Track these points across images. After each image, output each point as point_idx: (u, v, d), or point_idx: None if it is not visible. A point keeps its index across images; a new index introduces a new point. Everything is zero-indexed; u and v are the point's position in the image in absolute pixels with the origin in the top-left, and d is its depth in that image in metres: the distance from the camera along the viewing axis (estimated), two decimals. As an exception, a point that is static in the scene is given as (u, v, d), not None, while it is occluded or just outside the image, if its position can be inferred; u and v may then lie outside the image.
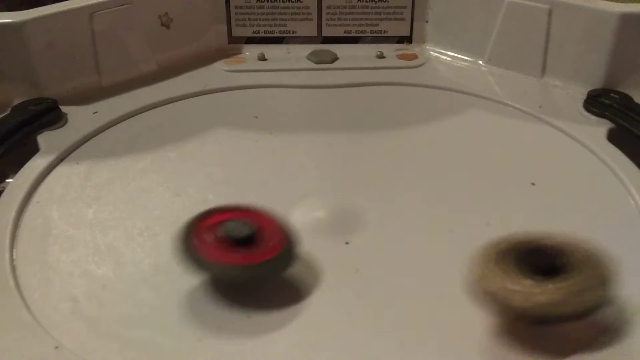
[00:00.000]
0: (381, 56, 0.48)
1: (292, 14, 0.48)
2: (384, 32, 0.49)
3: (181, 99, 0.42)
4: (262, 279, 0.27)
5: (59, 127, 0.38)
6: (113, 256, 0.29)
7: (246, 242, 0.26)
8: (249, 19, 0.48)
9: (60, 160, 0.36)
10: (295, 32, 0.49)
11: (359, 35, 0.49)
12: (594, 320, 0.23)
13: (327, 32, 0.49)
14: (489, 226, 0.31)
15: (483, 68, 0.46)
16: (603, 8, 0.40)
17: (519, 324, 0.24)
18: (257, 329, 0.26)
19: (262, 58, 0.48)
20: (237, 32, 0.49)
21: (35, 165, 0.35)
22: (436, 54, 0.48)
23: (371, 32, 0.49)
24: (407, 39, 0.49)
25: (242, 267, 0.25)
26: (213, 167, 0.36)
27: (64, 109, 0.40)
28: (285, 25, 0.49)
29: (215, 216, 0.27)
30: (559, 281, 0.22)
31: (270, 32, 0.49)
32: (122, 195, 0.33)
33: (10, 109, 0.39)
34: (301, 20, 0.49)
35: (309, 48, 0.48)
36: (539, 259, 0.23)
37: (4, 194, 0.33)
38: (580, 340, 0.23)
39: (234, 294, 0.27)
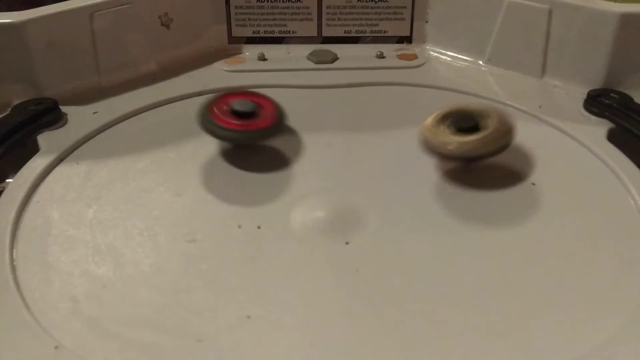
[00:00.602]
0: (381, 56, 0.48)
1: (292, 14, 0.48)
2: (384, 32, 0.49)
3: (181, 99, 0.42)
4: (259, 142, 0.36)
5: (59, 127, 0.38)
6: (113, 256, 0.29)
7: (249, 115, 0.35)
8: (249, 19, 0.48)
9: (60, 160, 0.36)
10: (295, 32, 0.49)
11: (359, 35, 0.49)
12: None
13: (327, 32, 0.49)
14: (489, 226, 0.31)
15: (483, 68, 0.46)
16: (603, 8, 0.40)
17: (457, 164, 0.34)
18: (257, 329, 0.26)
19: (262, 58, 0.48)
20: (237, 32, 0.49)
21: (35, 165, 0.35)
22: (436, 54, 0.48)
23: (371, 32, 0.49)
24: (407, 39, 0.49)
25: (246, 131, 0.35)
26: (213, 167, 0.36)
27: (64, 109, 0.40)
28: (285, 25, 0.49)
29: (228, 97, 0.36)
30: (478, 134, 0.32)
31: (270, 32, 0.49)
32: (122, 195, 0.33)
33: (10, 109, 0.39)
34: (301, 20, 0.49)
35: (309, 48, 0.48)
36: (465, 121, 0.33)
37: (4, 194, 0.33)
38: (493, 168, 0.34)
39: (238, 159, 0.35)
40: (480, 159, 0.34)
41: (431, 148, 0.33)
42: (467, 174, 0.35)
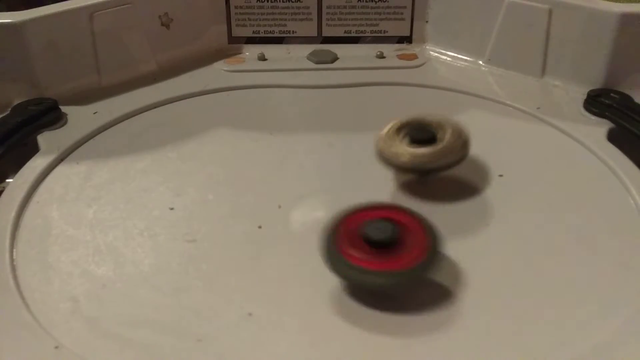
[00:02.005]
0: (381, 56, 0.48)
1: (292, 14, 0.48)
2: (384, 32, 0.49)
3: (181, 99, 0.42)
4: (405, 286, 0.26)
5: (59, 127, 0.38)
6: (113, 256, 0.29)
7: (388, 245, 0.25)
8: (249, 19, 0.48)
9: (60, 160, 0.36)
10: (295, 32, 0.49)
11: (359, 35, 0.49)
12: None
13: (327, 32, 0.49)
14: (488, 226, 0.31)
15: (483, 68, 0.46)
16: (603, 8, 0.40)
17: (411, 177, 0.34)
18: (257, 329, 0.26)
19: (262, 58, 0.48)
20: (237, 32, 0.49)
21: (35, 165, 0.35)
22: (436, 54, 0.48)
23: (371, 32, 0.49)
24: (407, 39, 0.49)
25: (385, 273, 0.25)
26: (213, 167, 0.36)
27: (64, 109, 0.40)
28: (285, 25, 0.49)
29: (359, 215, 0.27)
30: (437, 146, 0.32)
31: (270, 32, 0.49)
32: (122, 195, 0.33)
33: (10, 109, 0.39)
34: (301, 20, 0.49)
35: (309, 48, 0.48)
36: (420, 132, 0.32)
37: (4, 194, 0.33)
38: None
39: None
40: (435, 172, 0.33)
41: (384, 159, 0.32)
42: (466, 173, 0.35)
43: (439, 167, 0.32)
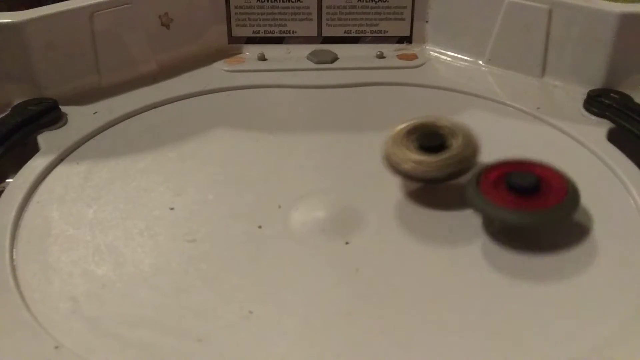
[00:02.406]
0: (381, 56, 0.48)
1: (292, 14, 0.48)
2: (384, 32, 0.49)
3: (181, 99, 0.42)
4: (550, 224, 0.29)
5: (59, 127, 0.38)
6: (113, 256, 0.29)
7: (530, 191, 0.29)
8: (249, 19, 0.48)
9: (60, 160, 0.36)
10: (295, 32, 0.49)
11: (359, 35, 0.49)
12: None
13: (327, 32, 0.49)
14: (488, 226, 0.31)
15: (483, 68, 0.46)
16: (603, 8, 0.40)
17: (421, 185, 0.33)
18: (257, 329, 0.26)
19: (262, 58, 0.48)
20: (237, 32, 0.49)
21: (35, 165, 0.35)
22: (436, 54, 0.48)
23: (371, 32, 0.49)
24: (407, 39, 0.49)
25: (532, 213, 0.28)
26: (213, 167, 0.36)
27: (64, 109, 0.40)
28: (285, 25, 0.49)
29: (499, 169, 0.30)
30: (443, 154, 0.31)
31: (270, 32, 0.49)
32: (122, 195, 0.33)
33: (10, 109, 0.39)
34: (301, 20, 0.49)
35: (309, 48, 0.48)
36: (429, 139, 0.31)
37: (4, 194, 0.33)
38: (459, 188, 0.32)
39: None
40: (439, 182, 0.32)
41: (389, 164, 0.32)
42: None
43: (442, 177, 0.31)
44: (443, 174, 0.31)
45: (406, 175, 0.32)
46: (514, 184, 0.29)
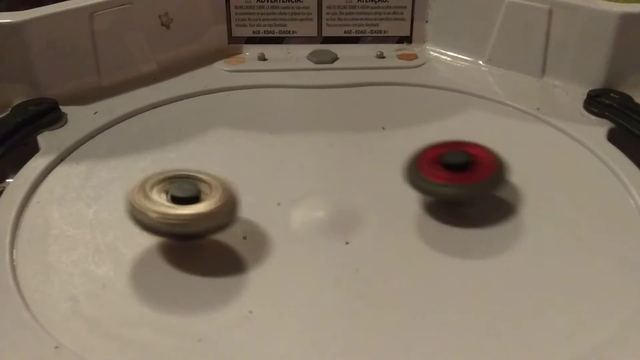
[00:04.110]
0: (381, 56, 0.48)
1: (292, 14, 0.48)
2: (384, 32, 0.49)
3: (181, 99, 0.42)
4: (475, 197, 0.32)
5: (59, 127, 0.38)
6: (113, 256, 0.29)
7: (462, 167, 0.30)
8: (249, 19, 0.48)
9: (60, 160, 0.36)
10: (295, 32, 0.49)
11: (359, 35, 0.49)
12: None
13: (327, 32, 0.49)
14: (488, 226, 0.31)
15: (483, 68, 0.46)
16: (603, 8, 0.40)
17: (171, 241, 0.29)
18: (257, 329, 0.26)
19: (262, 58, 0.48)
20: (237, 32, 0.49)
21: (35, 165, 0.35)
22: (436, 54, 0.48)
23: (371, 32, 0.49)
24: (407, 39, 0.49)
25: (464, 186, 0.30)
26: (213, 167, 0.36)
27: (64, 109, 0.40)
28: (285, 25, 0.49)
29: (437, 149, 0.32)
30: (194, 207, 0.27)
31: (270, 32, 0.49)
32: (122, 195, 0.33)
33: (10, 109, 0.39)
34: (301, 20, 0.49)
35: (309, 48, 0.48)
36: (181, 189, 0.28)
37: (4, 194, 0.33)
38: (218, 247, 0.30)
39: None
40: (189, 238, 0.29)
41: (131, 214, 0.28)
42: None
43: (192, 233, 0.28)
44: (192, 229, 0.28)
45: (149, 228, 0.28)
46: (447, 162, 0.30)
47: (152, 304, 0.27)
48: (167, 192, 0.28)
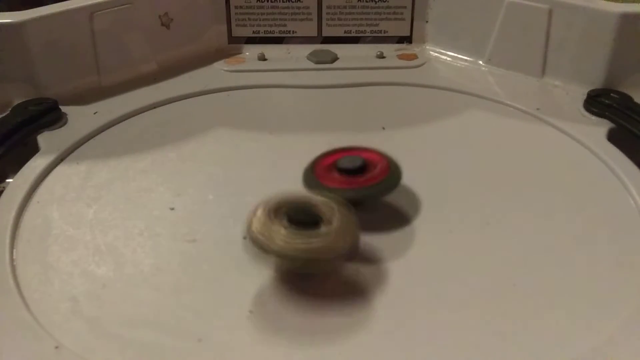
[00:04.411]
0: (381, 56, 0.48)
1: (292, 14, 0.48)
2: (384, 32, 0.49)
3: (181, 99, 0.42)
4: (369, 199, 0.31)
5: (59, 127, 0.38)
6: (113, 256, 0.29)
7: (356, 172, 0.31)
8: (249, 19, 0.48)
9: (60, 160, 0.36)
10: (295, 32, 0.49)
11: (359, 35, 0.49)
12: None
13: (327, 32, 0.49)
14: (489, 226, 0.31)
15: (483, 68, 0.46)
16: (603, 8, 0.40)
17: (291, 273, 0.28)
18: (257, 329, 0.26)
19: (262, 58, 0.48)
20: (237, 32, 0.49)
21: (35, 165, 0.35)
22: (436, 54, 0.48)
23: (371, 32, 0.49)
24: (407, 39, 0.49)
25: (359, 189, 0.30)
26: (213, 167, 0.36)
27: (64, 109, 0.40)
28: (285, 25, 0.49)
29: (331, 156, 0.32)
30: (314, 235, 0.26)
31: (270, 32, 0.49)
32: (122, 195, 0.33)
33: (10, 109, 0.39)
34: (301, 20, 0.49)
35: (309, 48, 0.48)
36: (302, 215, 0.27)
37: (4, 194, 0.33)
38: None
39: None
40: (313, 270, 0.28)
41: (255, 245, 0.26)
42: (466, 174, 0.35)
43: (320, 258, 0.26)
44: (327, 253, 0.26)
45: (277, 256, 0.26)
46: (342, 167, 0.31)
47: (152, 304, 0.27)
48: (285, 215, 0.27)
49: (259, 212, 0.27)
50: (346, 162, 0.31)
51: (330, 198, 0.28)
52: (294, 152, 0.37)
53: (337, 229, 0.26)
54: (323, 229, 0.26)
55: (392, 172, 0.31)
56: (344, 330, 0.26)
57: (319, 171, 0.32)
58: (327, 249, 0.26)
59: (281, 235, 0.26)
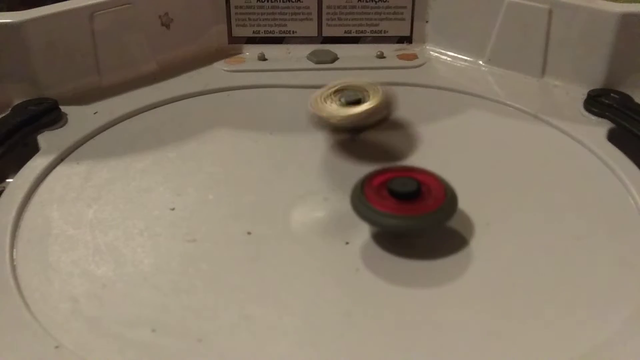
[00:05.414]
0: (381, 56, 0.48)
1: (292, 14, 0.48)
2: (384, 32, 0.49)
3: (181, 99, 0.42)
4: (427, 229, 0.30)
5: (59, 127, 0.38)
6: (113, 256, 0.29)
7: (412, 196, 0.29)
8: (249, 19, 0.48)
9: (60, 160, 0.36)
10: (295, 32, 0.49)
11: (359, 35, 0.49)
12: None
13: (327, 32, 0.49)
14: (489, 226, 0.31)
15: (483, 68, 0.46)
16: (603, 8, 0.40)
17: (342, 135, 0.38)
18: (257, 329, 0.26)
19: (262, 58, 0.48)
20: (237, 32, 0.49)
21: (35, 165, 0.35)
22: (436, 54, 0.48)
23: (371, 32, 0.49)
24: (407, 39, 0.49)
25: (411, 218, 0.28)
26: (213, 167, 0.36)
27: (64, 109, 0.40)
28: (285, 25, 0.49)
29: (382, 176, 0.31)
30: (361, 107, 0.35)
31: (270, 32, 0.49)
32: (122, 195, 0.33)
33: (10, 109, 0.39)
34: (301, 20, 0.49)
35: (309, 48, 0.48)
36: (349, 94, 0.36)
37: (4, 194, 0.33)
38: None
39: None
40: (364, 130, 0.37)
41: (319, 120, 0.36)
42: (466, 174, 0.35)
43: (366, 125, 0.36)
44: (366, 122, 0.36)
45: (335, 127, 0.37)
46: (394, 190, 0.29)
47: (152, 304, 0.27)
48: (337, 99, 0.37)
49: (317, 97, 0.37)
50: (398, 185, 0.29)
51: (369, 81, 0.37)
52: (294, 152, 0.37)
53: (373, 104, 0.35)
54: (363, 105, 0.35)
55: (449, 198, 0.29)
56: (344, 330, 0.26)
57: (369, 193, 0.29)
58: (365, 117, 0.35)
59: (332, 108, 0.36)
